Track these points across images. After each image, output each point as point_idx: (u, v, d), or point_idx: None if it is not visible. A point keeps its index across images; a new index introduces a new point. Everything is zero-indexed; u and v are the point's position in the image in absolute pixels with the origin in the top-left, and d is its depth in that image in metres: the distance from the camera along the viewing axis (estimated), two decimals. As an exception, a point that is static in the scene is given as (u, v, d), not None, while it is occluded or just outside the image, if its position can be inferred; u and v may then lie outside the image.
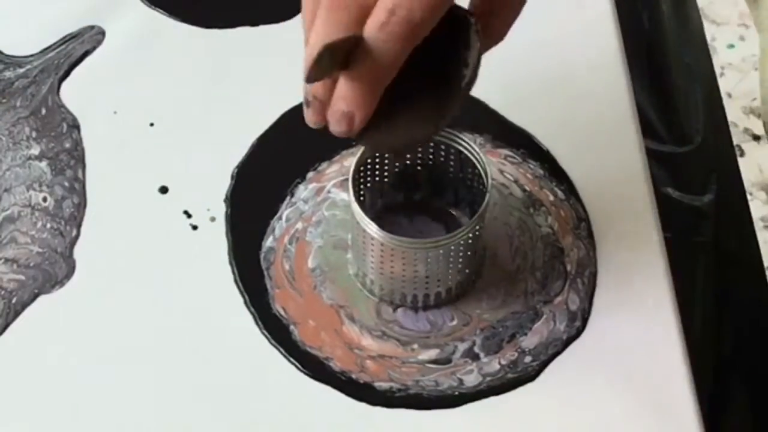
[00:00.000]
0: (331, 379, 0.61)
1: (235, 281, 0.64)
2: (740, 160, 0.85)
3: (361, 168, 0.61)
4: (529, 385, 0.61)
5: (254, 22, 0.74)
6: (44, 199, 0.66)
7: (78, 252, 0.65)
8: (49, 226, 0.65)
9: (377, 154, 0.62)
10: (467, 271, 0.62)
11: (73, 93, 0.71)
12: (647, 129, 0.72)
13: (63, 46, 0.72)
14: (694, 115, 0.80)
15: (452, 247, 0.59)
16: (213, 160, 0.68)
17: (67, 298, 0.63)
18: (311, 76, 0.49)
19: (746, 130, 1.56)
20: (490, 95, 0.70)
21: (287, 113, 0.70)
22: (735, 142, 1.54)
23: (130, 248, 0.65)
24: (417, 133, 0.53)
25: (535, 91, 0.71)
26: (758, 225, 1.46)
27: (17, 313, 0.63)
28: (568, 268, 0.65)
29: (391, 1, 0.48)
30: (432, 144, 0.62)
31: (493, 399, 0.60)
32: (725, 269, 0.74)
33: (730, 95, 1.57)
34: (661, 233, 0.66)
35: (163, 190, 0.67)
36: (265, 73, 0.71)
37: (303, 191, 0.68)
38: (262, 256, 0.65)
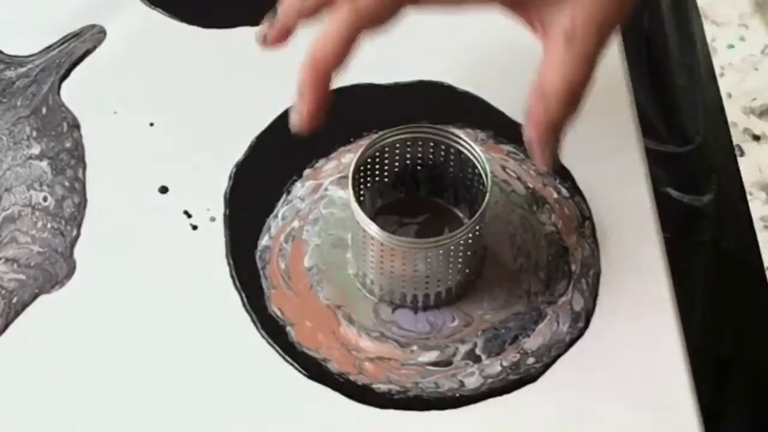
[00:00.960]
0: (329, 381, 0.61)
1: (233, 281, 0.64)
2: (740, 160, 0.85)
3: (361, 167, 0.61)
4: (529, 386, 0.61)
5: (254, 22, 0.74)
6: (45, 199, 0.66)
7: (78, 252, 0.65)
8: (49, 225, 0.65)
9: (377, 153, 0.61)
10: (467, 270, 0.62)
11: (73, 93, 0.71)
12: (647, 129, 0.72)
13: (64, 45, 0.72)
14: (694, 114, 0.80)
15: (452, 247, 0.59)
16: (213, 160, 0.68)
17: (67, 298, 0.63)
18: None
19: (746, 130, 1.56)
20: (492, 93, 0.70)
21: (286, 112, 0.70)
22: (735, 142, 1.54)
23: (130, 248, 0.65)
24: None
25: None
26: (758, 225, 1.46)
27: (17, 313, 0.63)
28: (573, 267, 0.64)
29: None
30: (432, 144, 0.62)
31: (493, 400, 0.60)
32: (725, 269, 0.74)
33: (730, 95, 1.57)
34: (661, 233, 0.66)
35: (163, 190, 0.67)
36: (265, 73, 0.71)
37: (299, 189, 0.67)
38: (257, 255, 0.65)
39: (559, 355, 0.61)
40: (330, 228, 0.65)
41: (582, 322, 0.62)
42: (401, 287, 0.61)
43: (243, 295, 0.63)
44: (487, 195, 0.58)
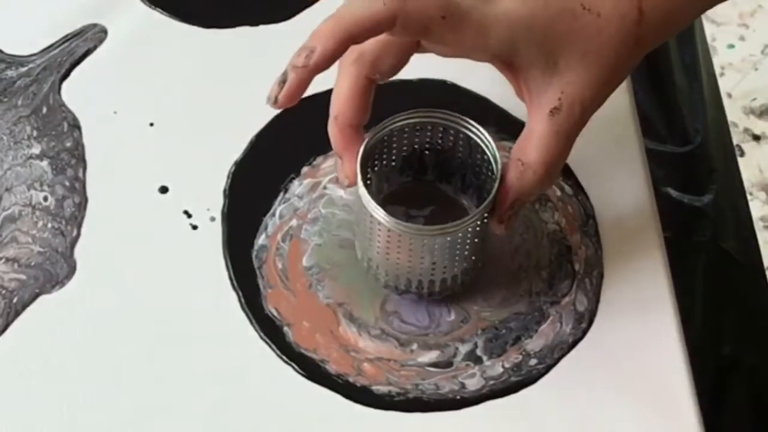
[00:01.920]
0: (327, 383, 0.60)
1: (231, 281, 0.64)
2: (740, 160, 0.85)
3: (370, 151, 0.60)
4: (530, 387, 0.61)
5: (254, 22, 0.74)
6: (45, 199, 0.66)
7: (78, 252, 0.65)
8: (50, 225, 0.65)
9: (385, 137, 0.61)
10: (473, 258, 0.61)
11: (73, 93, 0.71)
12: (647, 129, 0.72)
13: (66, 44, 0.72)
14: (694, 115, 0.80)
15: (459, 235, 0.58)
16: (213, 159, 0.68)
17: (67, 298, 0.63)
18: None
19: (746, 130, 1.56)
20: (494, 92, 0.70)
21: (286, 110, 0.70)
22: (735, 142, 1.54)
23: (130, 248, 0.65)
24: None
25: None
26: (758, 225, 1.46)
27: (17, 313, 0.63)
28: (576, 267, 0.64)
29: None
30: (441, 128, 0.61)
31: (494, 401, 0.60)
32: (725, 269, 0.74)
33: (730, 95, 1.57)
34: (661, 233, 0.66)
35: (163, 190, 0.67)
36: (266, 73, 0.71)
37: (297, 187, 0.67)
38: (254, 254, 0.65)
39: (561, 357, 0.61)
40: (333, 228, 0.65)
41: (585, 323, 0.62)
42: (407, 273, 0.61)
43: (240, 295, 0.63)
44: (497, 182, 0.58)
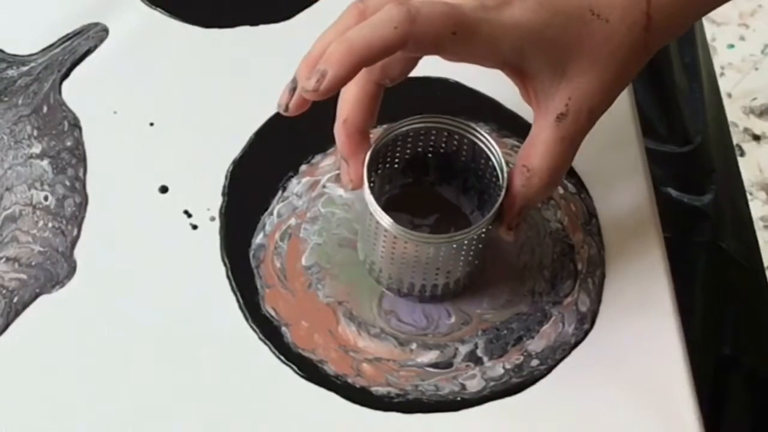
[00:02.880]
0: (326, 383, 0.60)
1: (229, 281, 0.64)
2: (740, 160, 0.85)
3: (375, 156, 0.60)
4: (531, 388, 0.60)
5: (254, 22, 0.74)
6: (45, 198, 0.66)
7: (78, 252, 0.65)
8: (50, 225, 0.65)
9: (390, 142, 0.61)
10: (476, 262, 0.61)
11: (72, 93, 0.71)
12: (647, 129, 0.72)
13: (67, 43, 0.72)
14: (694, 115, 0.80)
15: (465, 242, 0.58)
16: (213, 159, 0.68)
17: (67, 297, 0.63)
18: None
19: (746, 130, 1.56)
20: (496, 89, 0.70)
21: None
22: (735, 142, 1.54)
23: (130, 248, 0.65)
24: None
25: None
26: (758, 225, 1.46)
27: (18, 313, 0.63)
28: (579, 266, 0.64)
29: None
30: (446, 133, 0.61)
31: (494, 401, 0.60)
32: (725, 269, 0.74)
33: (730, 95, 1.57)
34: (661, 233, 0.66)
35: (163, 189, 0.67)
36: (266, 73, 0.71)
37: (296, 185, 0.67)
38: (251, 253, 0.64)
39: (563, 358, 0.61)
40: (333, 228, 0.65)
41: (588, 323, 0.62)
42: (410, 278, 0.61)
43: (238, 294, 0.63)
44: (503, 190, 0.58)
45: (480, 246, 0.60)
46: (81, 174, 0.67)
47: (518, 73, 0.56)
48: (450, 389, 0.60)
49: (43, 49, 0.72)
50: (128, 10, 0.75)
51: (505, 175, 0.58)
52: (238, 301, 0.63)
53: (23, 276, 0.64)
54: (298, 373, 0.61)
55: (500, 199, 0.58)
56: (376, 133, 0.60)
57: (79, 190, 0.67)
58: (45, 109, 0.70)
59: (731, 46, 1.64)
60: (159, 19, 0.74)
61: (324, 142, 0.67)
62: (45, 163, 0.68)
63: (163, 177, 0.68)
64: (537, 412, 0.60)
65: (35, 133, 0.69)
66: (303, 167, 0.68)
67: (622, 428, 0.59)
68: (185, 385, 0.61)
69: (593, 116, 0.57)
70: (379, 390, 0.60)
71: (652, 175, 0.68)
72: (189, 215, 0.66)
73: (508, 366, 0.61)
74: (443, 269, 0.60)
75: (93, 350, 0.62)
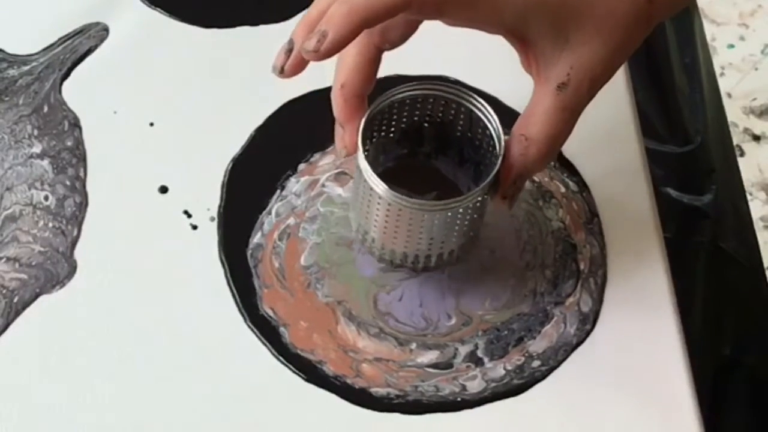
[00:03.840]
0: (325, 384, 0.60)
1: (227, 281, 0.64)
2: (740, 160, 0.85)
3: (370, 122, 0.59)
4: (532, 389, 0.60)
5: (254, 22, 0.74)
6: (46, 198, 0.66)
7: (78, 252, 0.65)
8: (50, 225, 0.65)
9: (386, 109, 0.60)
10: (471, 234, 0.60)
11: (72, 93, 0.71)
12: (647, 129, 0.72)
13: (68, 42, 0.72)
14: (694, 115, 0.80)
15: (460, 210, 0.58)
16: (213, 159, 0.68)
17: (67, 298, 0.63)
18: None
19: (746, 130, 1.56)
20: (496, 87, 0.69)
21: (284, 107, 0.70)
22: (735, 142, 1.55)
23: (130, 248, 0.65)
24: None
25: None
26: (758, 225, 1.46)
27: (18, 313, 0.63)
28: (581, 266, 0.64)
29: None
30: (443, 101, 0.60)
31: (495, 402, 0.60)
32: (725, 269, 0.74)
33: (730, 95, 1.57)
34: (661, 233, 0.66)
35: (163, 190, 0.67)
36: (266, 73, 0.71)
37: (295, 184, 0.67)
38: (249, 253, 0.64)
39: (565, 358, 0.61)
40: (331, 227, 0.65)
41: (590, 323, 0.62)
42: (403, 248, 0.60)
43: (236, 294, 0.63)
44: (500, 158, 0.57)
45: (475, 216, 0.59)
46: (81, 174, 0.67)
47: (520, 39, 0.56)
48: (450, 390, 0.60)
49: (44, 49, 0.72)
50: (128, 10, 0.75)
51: (503, 143, 0.57)
52: (236, 301, 0.63)
53: (23, 276, 0.64)
54: (297, 374, 0.61)
55: (497, 167, 0.57)
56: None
57: (79, 190, 0.67)
58: (45, 108, 0.70)
59: (731, 46, 1.64)
60: (159, 19, 0.75)
61: (323, 140, 0.67)
62: (45, 162, 0.68)
63: (163, 177, 0.68)
64: (537, 413, 0.60)
65: (36, 132, 0.69)
66: (301, 166, 0.67)
67: (622, 428, 0.59)
68: (185, 386, 0.61)
69: (594, 87, 0.56)
70: (379, 391, 0.60)
71: (652, 175, 0.68)
72: (189, 215, 0.66)
73: (509, 367, 0.61)
74: (437, 239, 0.59)
75: (93, 350, 0.62)
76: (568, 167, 0.67)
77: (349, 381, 0.60)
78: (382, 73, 0.58)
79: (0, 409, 0.60)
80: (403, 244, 0.60)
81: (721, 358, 0.70)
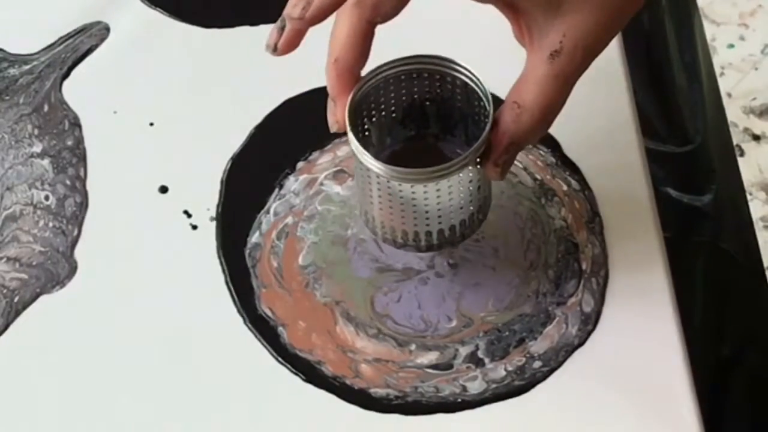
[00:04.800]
0: (324, 385, 0.60)
1: (225, 281, 0.64)
2: (740, 160, 0.85)
3: (362, 99, 0.59)
4: (533, 389, 0.60)
5: (254, 22, 0.74)
6: (46, 198, 0.66)
7: (79, 252, 0.65)
8: (51, 225, 0.65)
9: (380, 85, 0.59)
10: (471, 209, 0.59)
11: (72, 93, 0.71)
12: (647, 129, 0.72)
13: (70, 41, 0.72)
14: (694, 114, 0.80)
15: (452, 179, 0.56)
16: (213, 159, 0.68)
17: (67, 298, 0.63)
18: None
19: (746, 130, 1.56)
20: (496, 85, 0.69)
21: (283, 105, 0.70)
22: (735, 142, 1.55)
23: (130, 248, 0.65)
24: None
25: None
26: (758, 225, 1.46)
27: (18, 313, 0.63)
28: (584, 266, 0.63)
29: None
30: (438, 77, 0.59)
31: (496, 403, 0.60)
32: (725, 269, 0.74)
33: (730, 95, 1.57)
34: (661, 233, 0.66)
35: (163, 190, 0.67)
36: (266, 73, 0.71)
37: (293, 183, 0.67)
38: (247, 252, 0.64)
39: (566, 359, 0.61)
40: (328, 225, 0.65)
41: (591, 324, 0.62)
42: (402, 225, 0.59)
43: (234, 294, 0.63)
44: (489, 121, 0.56)
45: (470, 188, 0.58)
46: (81, 173, 0.67)
47: (512, 7, 0.55)
48: (450, 391, 0.60)
49: (45, 48, 0.72)
50: (128, 10, 0.75)
51: (491, 106, 0.56)
52: (234, 301, 0.63)
53: (24, 276, 0.64)
54: (296, 374, 0.61)
55: (486, 131, 0.56)
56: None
57: (79, 189, 0.67)
58: (46, 108, 0.70)
59: (731, 46, 1.64)
60: (159, 19, 0.75)
61: (322, 138, 0.67)
62: (46, 162, 0.68)
63: (163, 177, 0.68)
64: (538, 414, 0.60)
65: (36, 132, 0.69)
66: (300, 164, 0.67)
67: (623, 428, 0.59)
68: (184, 386, 0.61)
69: (588, 55, 0.56)
70: (378, 392, 0.60)
71: (652, 175, 0.68)
72: (189, 215, 0.66)
73: (510, 368, 0.60)
74: (433, 213, 0.58)
75: (93, 350, 0.62)
76: (569, 165, 0.67)
77: (348, 381, 0.60)
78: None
79: (0, 408, 0.60)
80: (400, 220, 0.59)
81: (721, 358, 0.70)
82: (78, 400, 0.60)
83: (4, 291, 0.63)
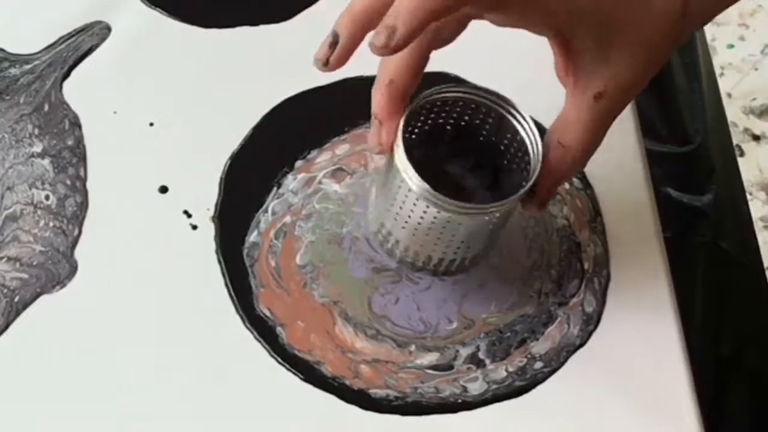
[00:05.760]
0: (323, 385, 0.60)
1: (225, 281, 0.64)
2: (740, 160, 0.85)
3: (412, 119, 0.59)
4: (533, 390, 0.60)
5: (254, 22, 0.74)
6: (47, 198, 0.66)
7: (79, 252, 0.65)
8: (51, 224, 0.65)
9: (418, 110, 0.59)
10: (491, 239, 0.60)
11: (72, 93, 0.71)
12: (647, 129, 0.72)
13: (71, 40, 0.72)
14: (694, 115, 0.80)
15: (497, 215, 0.57)
16: (213, 159, 0.68)
17: (68, 298, 0.63)
18: None
19: (746, 130, 1.56)
20: (498, 83, 0.69)
21: (281, 104, 0.70)
22: (735, 142, 1.55)
23: (130, 248, 0.65)
24: None
25: (539, 89, 0.71)
26: (758, 225, 1.47)
27: (18, 312, 0.63)
28: (586, 266, 0.63)
29: None
30: (473, 104, 0.60)
31: (496, 404, 0.60)
32: (725, 269, 0.74)
33: (730, 95, 1.57)
34: (661, 233, 0.66)
35: (163, 190, 0.67)
36: (266, 73, 0.71)
37: (291, 182, 0.67)
38: (245, 252, 0.64)
39: (567, 359, 0.61)
40: (325, 224, 0.65)
41: (593, 324, 0.62)
42: (431, 251, 0.59)
43: (233, 294, 0.63)
44: (539, 165, 0.56)
45: (503, 223, 0.59)
46: (82, 173, 0.67)
47: (564, 45, 0.56)
48: (451, 391, 0.60)
49: (46, 47, 0.72)
50: (128, 10, 0.75)
51: (540, 150, 0.57)
52: (233, 301, 0.63)
53: (24, 275, 0.64)
54: (295, 375, 0.61)
55: (535, 174, 0.56)
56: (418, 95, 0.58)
57: (80, 189, 0.67)
58: (46, 107, 0.70)
59: (731, 46, 1.64)
60: (159, 19, 0.75)
61: (321, 137, 0.67)
62: (46, 162, 0.68)
63: (163, 177, 0.68)
64: (539, 414, 0.60)
65: (36, 131, 0.69)
66: (299, 163, 0.67)
67: (623, 428, 0.59)
68: (183, 387, 0.61)
69: (628, 97, 0.57)
70: (378, 392, 0.60)
71: (652, 175, 0.68)
72: (189, 215, 0.66)
73: (511, 368, 0.60)
74: (466, 243, 0.58)
75: (93, 350, 0.62)
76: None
77: (347, 382, 0.60)
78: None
79: (0, 408, 0.60)
80: (431, 247, 0.59)
81: (721, 358, 0.70)
82: (78, 399, 0.60)
83: (5, 291, 0.63)
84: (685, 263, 0.68)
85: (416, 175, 0.56)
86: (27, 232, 0.65)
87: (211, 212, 0.66)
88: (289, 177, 0.67)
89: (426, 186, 0.56)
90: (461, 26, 0.57)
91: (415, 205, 0.57)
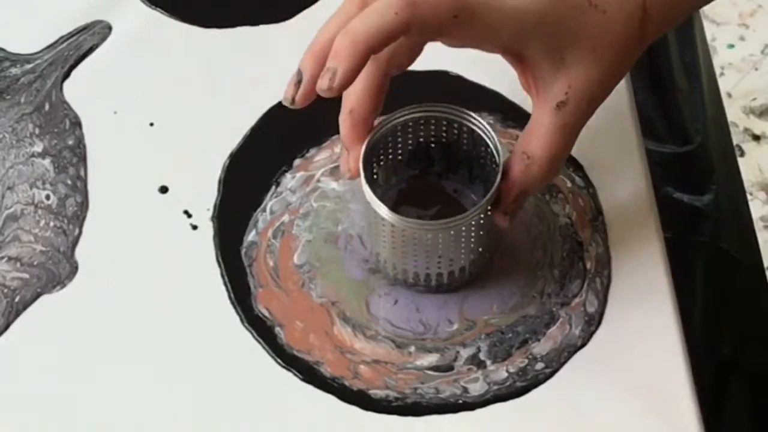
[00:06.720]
0: (322, 386, 0.60)
1: (224, 281, 0.64)
2: (740, 160, 0.85)
3: (374, 146, 0.60)
4: (534, 390, 0.60)
5: (254, 22, 0.74)
6: (47, 197, 0.66)
7: (79, 252, 0.65)
8: (52, 224, 0.65)
9: (389, 132, 0.61)
10: (480, 249, 0.61)
11: (72, 93, 0.71)
12: (647, 129, 0.72)
13: (72, 39, 0.72)
14: (694, 115, 0.80)
15: (463, 228, 0.58)
16: (213, 159, 0.68)
17: (68, 298, 0.63)
18: None
19: (746, 130, 1.56)
20: (499, 82, 0.69)
21: (280, 104, 0.70)
22: (735, 142, 1.55)
23: (130, 248, 0.65)
24: None
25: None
26: (758, 225, 1.47)
27: (19, 312, 0.63)
28: (588, 265, 0.63)
29: None
30: (445, 122, 0.61)
31: (497, 404, 0.60)
32: (725, 269, 0.74)
33: (730, 95, 1.57)
34: (661, 233, 0.66)
35: (163, 190, 0.67)
36: (266, 73, 0.71)
37: (290, 180, 0.66)
38: (243, 251, 0.64)
39: (567, 360, 0.61)
40: (322, 222, 0.65)
41: (594, 325, 0.61)
42: (414, 268, 0.60)
43: (232, 294, 0.63)
44: (499, 175, 0.58)
45: (481, 233, 0.60)
46: (82, 173, 0.67)
47: (518, 59, 0.56)
48: (451, 392, 0.60)
49: (47, 47, 0.72)
50: (128, 10, 0.75)
51: (502, 159, 0.58)
52: (231, 301, 0.63)
53: (25, 275, 0.64)
54: (294, 375, 0.61)
55: (496, 184, 0.58)
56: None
57: (80, 189, 0.67)
58: (47, 107, 0.70)
59: (731, 46, 1.64)
60: (159, 19, 0.75)
61: (319, 135, 0.67)
62: (47, 161, 0.68)
63: (163, 177, 0.68)
64: (538, 415, 0.60)
65: (37, 131, 0.69)
66: (297, 161, 0.67)
67: (623, 428, 0.59)
68: (183, 387, 0.61)
69: (592, 105, 0.57)
70: (378, 393, 0.60)
71: (652, 175, 0.68)
72: (189, 215, 0.66)
73: (511, 369, 0.60)
74: (445, 257, 0.60)
75: (93, 350, 0.62)
76: (573, 162, 0.67)
77: (347, 382, 0.60)
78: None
79: (0, 408, 0.60)
80: (412, 263, 0.60)
81: (721, 358, 0.70)
82: (78, 399, 0.60)
83: (5, 291, 0.63)
84: (685, 263, 0.68)
85: (375, 198, 0.58)
86: (27, 232, 0.65)
87: (212, 212, 0.66)
88: (288, 176, 0.67)
89: (385, 208, 0.58)
90: (414, 51, 0.57)
91: (383, 225, 0.58)
